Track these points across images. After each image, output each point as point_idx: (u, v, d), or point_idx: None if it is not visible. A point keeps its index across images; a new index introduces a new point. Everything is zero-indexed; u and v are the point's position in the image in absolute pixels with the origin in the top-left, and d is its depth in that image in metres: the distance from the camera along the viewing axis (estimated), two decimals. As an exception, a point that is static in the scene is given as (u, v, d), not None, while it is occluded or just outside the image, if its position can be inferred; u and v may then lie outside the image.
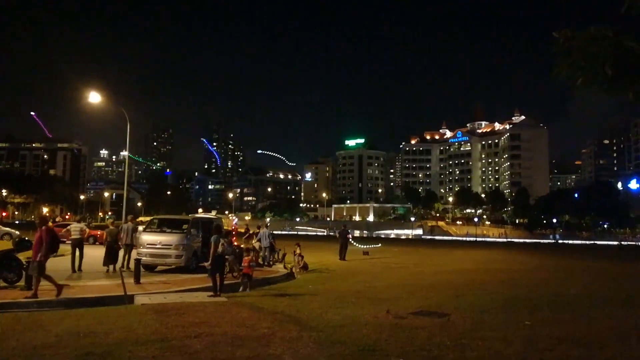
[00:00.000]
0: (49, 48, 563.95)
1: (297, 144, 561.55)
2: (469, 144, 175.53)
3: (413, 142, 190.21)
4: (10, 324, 7.79)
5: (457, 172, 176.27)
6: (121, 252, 16.96)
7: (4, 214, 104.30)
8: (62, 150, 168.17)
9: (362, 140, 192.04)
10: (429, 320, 8.61)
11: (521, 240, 77.98)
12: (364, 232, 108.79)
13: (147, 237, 16.84)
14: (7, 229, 35.79)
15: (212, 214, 33.96)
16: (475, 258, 29.56)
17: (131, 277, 12.92)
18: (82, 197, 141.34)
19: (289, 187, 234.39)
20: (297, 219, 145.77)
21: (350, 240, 27.64)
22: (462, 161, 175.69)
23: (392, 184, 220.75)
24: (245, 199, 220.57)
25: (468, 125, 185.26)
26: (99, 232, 29.15)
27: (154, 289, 12.12)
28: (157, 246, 16.30)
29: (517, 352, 6.50)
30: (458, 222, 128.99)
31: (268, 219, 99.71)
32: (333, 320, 8.43)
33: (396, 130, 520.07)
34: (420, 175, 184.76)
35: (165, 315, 8.60)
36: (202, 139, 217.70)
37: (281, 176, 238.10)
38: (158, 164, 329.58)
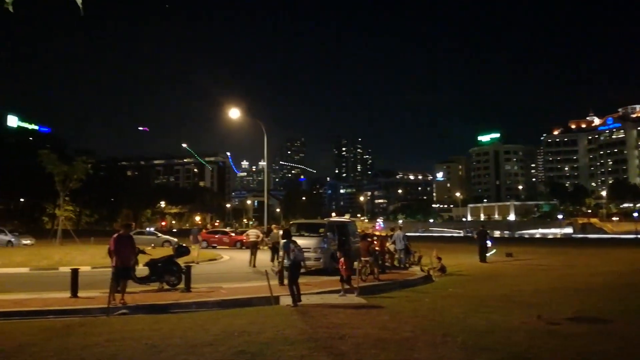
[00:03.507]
0: (193, 66, 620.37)
1: (428, 143, 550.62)
2: (622, 131, 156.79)
3: (556, 132, 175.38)
4: (175, 324, 8.54)
5: (610, 162, 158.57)
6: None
7: (163, 223, 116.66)
8: (209, 163, 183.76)
9: (497, 135, 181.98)
10: (587, 326, 7.87)
11: (695, 237, 67.77)
12: (505, 232, 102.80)
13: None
14: (167, 236, 40.15)
15: (346, 218, 34.54)
16: (638, 257, 26.34)
17: (276, 279, 13.66)
18: (227, 205, 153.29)
19: (419, 188, 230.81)
20: (431, 220, 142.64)
21: (489, 244, 25.72)
22: (615, 150, 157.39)
23: (533, 179, 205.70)
24: (377, 201, 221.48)
25: (619, 110, 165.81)
26: (244, 237, 29.98)
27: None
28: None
29: (701, 365, 5.66)
30: (614, 219, 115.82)
31: (400, 221, 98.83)
32: (478, 326, 8.07)
33: (534, 121, 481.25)
34: (566, 169, 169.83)
35: (309, 316, 8.93)
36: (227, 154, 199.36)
37: (411, 177, 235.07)
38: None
